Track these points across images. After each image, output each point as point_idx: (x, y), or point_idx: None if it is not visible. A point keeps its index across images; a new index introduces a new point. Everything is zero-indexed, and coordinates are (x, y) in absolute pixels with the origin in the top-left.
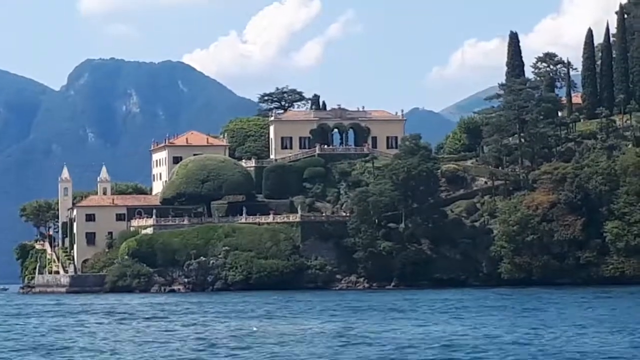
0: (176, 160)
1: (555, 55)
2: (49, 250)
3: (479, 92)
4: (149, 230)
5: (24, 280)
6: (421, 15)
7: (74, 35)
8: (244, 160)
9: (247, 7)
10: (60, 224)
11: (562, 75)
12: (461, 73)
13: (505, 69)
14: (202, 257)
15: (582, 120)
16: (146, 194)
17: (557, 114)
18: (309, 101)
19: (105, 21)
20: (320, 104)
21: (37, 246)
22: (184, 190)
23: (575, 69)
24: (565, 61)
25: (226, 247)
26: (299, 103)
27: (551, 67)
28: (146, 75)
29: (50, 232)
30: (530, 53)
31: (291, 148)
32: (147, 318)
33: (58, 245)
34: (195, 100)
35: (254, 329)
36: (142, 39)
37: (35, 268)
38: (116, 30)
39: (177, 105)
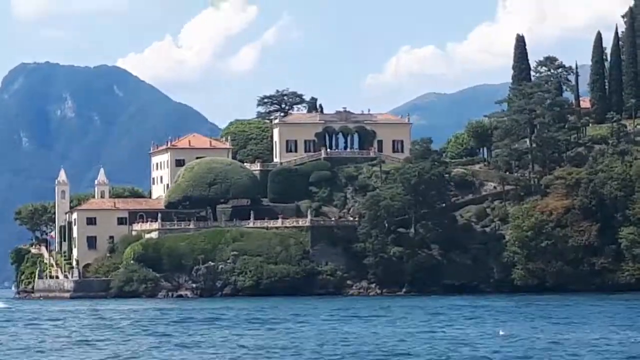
0: (179, 163)
1: (555, 59)
2: (46, 254)
3: (414, 98)
4: (154, 235)
5: (19, 285)
6: (357, 22)
7: (8, 38)
8: (247, 164)
9: (182, 12)
10: (57, 228)
11: (563, 79)
12: (396, 80)
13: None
14: (210, 262)
15: (590, 125)
16: (143, 197)
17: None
18: (306, 105)
19: (40, 25)
20: (317, 107)
21: (33, 250)
22: (191, 194)
23: (577, 73)
24: (566, 65)
25: (235, 252)
26: (298, 106)
27: (552, 71)
28: (81, 79)
29: (53, 235)
30: (462, 60)
31: (296, 151)
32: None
33: (55, 249)
34: (131, 105)
35: (501, 332)
36: (77, 43)
37: (32, 273)
38: (50, 34)
39: (112, 110)
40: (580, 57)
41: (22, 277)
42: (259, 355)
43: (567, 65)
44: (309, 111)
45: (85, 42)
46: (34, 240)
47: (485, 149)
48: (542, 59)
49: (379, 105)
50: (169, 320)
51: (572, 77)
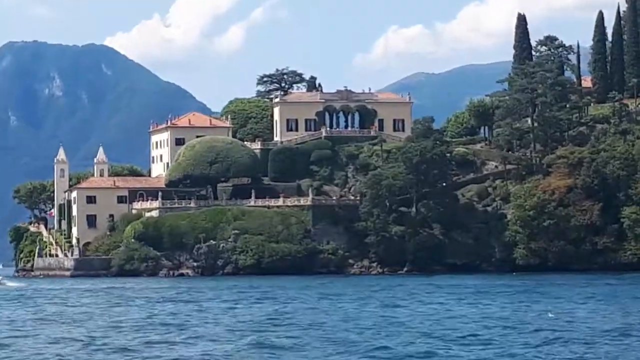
0: (179, 142)
1: (556, 39)
2: (45, 232)
3: (402, 78)
4: (154, 213)
5: (18, 263)
6: (344, 2)
7: None
8: (247, 143)
9: None
10: (56, 206)
11: (563, 58)
12: (385, 59)
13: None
14: (211, 241)
15: (591, 105)
16: (141, 175)
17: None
18: (306, 84)
19: (28, 3)
20: (317, 86)
21: (32, 229)
22: (191, 172)
23: (578, 52)
24: (566, 45)
25: (236, 231)
26: (298, 85)
27: (552, 50)
28: (69, 58)
29: (52, 213)
30: (450, 40)
31: (297, 130)
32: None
33: (54, 227)
34: (119, 84)
35: (550, 315)
36: (65, 22)
37: (32, 251)
38: (38, 12)
39: (100, 89)
40: (569, 37)
41: (21, 255)
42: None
43: (567, 44)
44: (309, 90)
45: (73, 20)
46: (32, 218)
47: (486, 128)
48: (542, 38)
49: (367, 85)
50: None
51: (572, 57)
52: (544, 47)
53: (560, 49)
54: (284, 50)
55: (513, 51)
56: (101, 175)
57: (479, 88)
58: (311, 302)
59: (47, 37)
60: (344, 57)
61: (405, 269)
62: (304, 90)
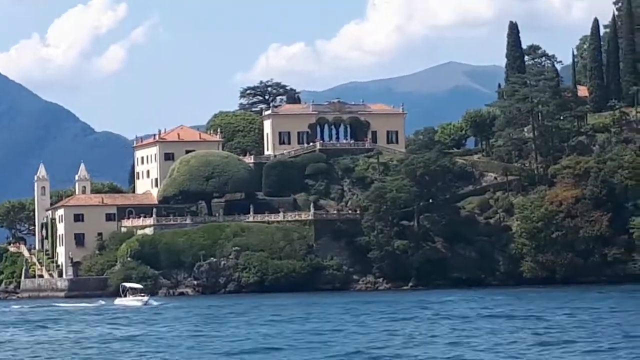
0: (168, 156)
1: (539, 48)
2: (26, 253)
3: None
4: (148, 231)
5: None
6: (226, 21)
7: None
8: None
9: (50, 10)
10: (37, 225)
11: (547, 68)
12: (267, 78)
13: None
14: (212, 258)
15: (588, 114)
16: (121, 192)
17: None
18: (285, 97)
19: None
20: (296, 98)
21: (12, 249)
22: (188, 188)
23: (560, 62)
24: (550, 54)
25: (236, 247)
26: (282, 97)
27: (535, 60)
28: None
29: (43, 234)
30: (332, 57)
31: (289, 143)
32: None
33: (35, 247)
34: (0, 104)
35: None
36: None
37: (13, 272)
38: None
39: None
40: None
41: (1, 276)
42: None
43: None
44: (288, 102)
45: None
46: (11, 238)
47: (480, 139)
48: (525, 47)
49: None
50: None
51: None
52: (527, 56)
53: (543, 58)
54: (164, 70)
55: (505, 60)
56: (83, 192)
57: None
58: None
59: None
60: (224, 76)
61: (410, 284)
62: (284, 103)
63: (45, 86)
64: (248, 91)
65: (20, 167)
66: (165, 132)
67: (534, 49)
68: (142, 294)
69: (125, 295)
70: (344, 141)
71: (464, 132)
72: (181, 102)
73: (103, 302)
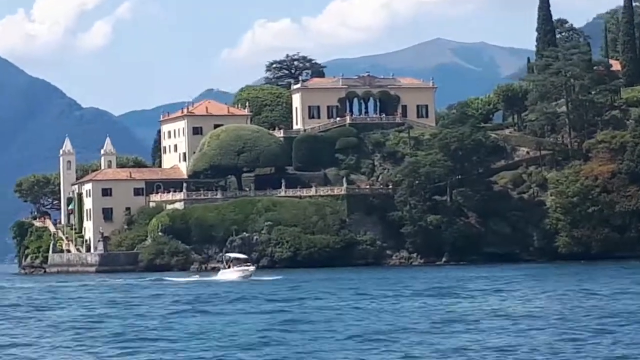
0: (196, 130)
1: (565, 21)
2: (51, 227)
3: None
4: (178, 205)
5: (21, 259)
6: None
7: None
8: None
9: None
10: (63, 200)
11: (580, 42)
12: (253, 54)
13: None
14: (244, 233)
15: (622, 88)
16: (145, 166)
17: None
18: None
19: None
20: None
21: (37, 223)
22: (219, 162)
23: (588, 35)
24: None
25: (269, 222)
26: (307, 71)
27: (562, 33)
28: None
29: (71, 209)
30: (318, 34)
31: (319, 117)
32: None
33: (60, 222)
34: None
35: None
36: None
37: (39, 247)
38: None
39: None
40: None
41: (27, 251)
42: None
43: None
44: (314, 77)
45: None
46: (35, 213)
47: (512, 113)
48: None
49: (236, 80)
50: None
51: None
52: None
53: (570, 32)
54: (150, 46)
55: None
56: (109, 166)
57: None
58: None
59: None
60: (211, 52)
61: (443, 259)
62: (309, 77)
63: (31, 62)
64: (274, 65)
65: (6, 142)
66: (192, 106)
67: (560, 22)
68: (248, 264)
69: (229, 267)
70: (374, 115)
71: (491, 106)
72: (167, 78)
73: (197, 277)
